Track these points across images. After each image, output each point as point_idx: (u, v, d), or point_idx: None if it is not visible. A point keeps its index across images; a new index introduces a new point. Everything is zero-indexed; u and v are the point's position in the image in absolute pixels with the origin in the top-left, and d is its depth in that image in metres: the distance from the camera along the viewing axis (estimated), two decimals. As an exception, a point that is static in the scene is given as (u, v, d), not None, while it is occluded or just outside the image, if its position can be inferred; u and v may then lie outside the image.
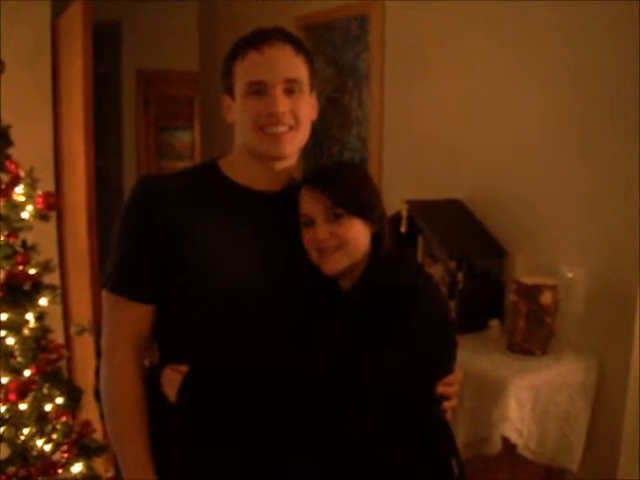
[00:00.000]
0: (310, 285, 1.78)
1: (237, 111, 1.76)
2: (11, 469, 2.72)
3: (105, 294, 1.79)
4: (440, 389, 1.76)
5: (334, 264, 1.73)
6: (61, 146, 4.05)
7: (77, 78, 3.54)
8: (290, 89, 1.71)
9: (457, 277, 3.03)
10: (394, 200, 3.13)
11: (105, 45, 5.89)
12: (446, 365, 1.79)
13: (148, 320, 1.77)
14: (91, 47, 3.45)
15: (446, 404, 1.80)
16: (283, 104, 1.69)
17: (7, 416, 2.75)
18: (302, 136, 1.78)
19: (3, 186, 2.81)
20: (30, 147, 3.21)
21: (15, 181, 2.85)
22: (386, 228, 1.81)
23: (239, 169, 1.80)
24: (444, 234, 3.06)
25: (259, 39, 1.71)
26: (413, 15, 3.59)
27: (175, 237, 1.69)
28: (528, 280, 2.74)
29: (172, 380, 1.69)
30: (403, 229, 3.12)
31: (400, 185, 3.64)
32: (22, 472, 2.72)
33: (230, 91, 1.78)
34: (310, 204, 1.74)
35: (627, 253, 2.68)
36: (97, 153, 3.67)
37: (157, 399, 1.74)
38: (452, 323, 1.83)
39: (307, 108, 1.78)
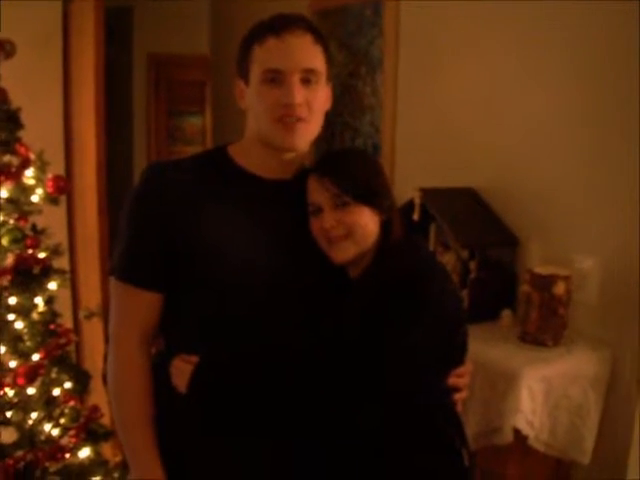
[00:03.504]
0: (321, 272, 1.76)
1: (251, 97, 1.73)
2: (19, 453, 2.70)
3: (113, 282, 1.78)
4: (451, 380, 1.75)
5: (343, 253, 1.71)
6: (71, 129, 4.04)
7: (88, 62, 3.53)
8: (307, 79, 1.68)
9: (469, 266, 3.01)
10: (407, 187, 3.12)
11: (116, 29, 5.86)
12: (455, 355, 1.77)
13: (156, 308, 1.76)
14: (103, 31, 3.45)
15: (457, 395, 1.79)
16: (299, 95, 1.66)
17: (15, 400, 2.74)
18: (315, 128, 1.75)
19: (13, 169, 2.78)
20: (40, 130, 3.19)
21: (25, 164, 2.83)
22: (396, 216, 1.79)
23: (249, 156, 1.78)
24: (457, 222, 3.04)
25: (279, 25, 1.68)
26: (428, 1, 3.55)
27: (183, 224, 1.68)
28: (542, 270, 2.72)
29: (182, 371, 1.68)
30: (416, 217, 3.10)
31: (413, 173, 3.62)
32: (29, 456, 2.70)
33: (245, 76, 1.75)
34: (317, 192, 1.73)
35: (641, 244, 2.65)
36: (107, 137, 3.66)
37: (164, 388, 1.73)
38: (463, 312, 1.80)
39: (322, 99, 1.75)
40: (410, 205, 3.11)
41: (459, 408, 1.83)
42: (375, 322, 1.59)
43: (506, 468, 2.60)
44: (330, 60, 1.78)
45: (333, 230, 1.70)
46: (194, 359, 1.67)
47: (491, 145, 3.27)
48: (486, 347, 2.65)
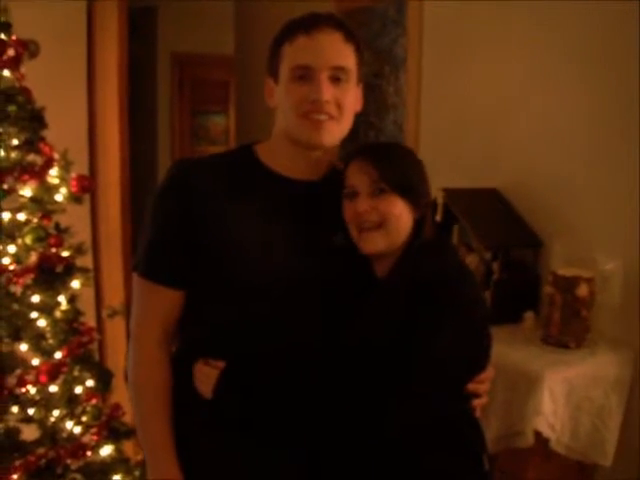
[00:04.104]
0: (347, 273, 1.75)
1: (280, 95, 1.72)
2: (40, 450, 2.72)
3: (135, 278, 1.77)
4: (471, 386, 1.73)
5: (372, 244, 1.68)
6: (96, 128, 4.06)
7: (112, 60, 3.55)
8: (336, 77, 1.67)
9: (492, 267, 2.99)
10: (430, 187, 3.10)
11: (141, 28, 5.89)
12: (482, 361, 1.75)
13: (177, 305, 1.75)
14: (126, 29, 3.46)
15: (476, 402, 1.77)
16: (328, 92, 1.64)
17: (37, 398, 2.75)
18: (344, 127, 1.73)
19: (37, 168, 2.80)
20: (64, 129, 3.21)
21: (49, 163, 2.85)
22: (429, 215, 1.77)
23: (276, 156, 1.76)
24: (480, 223, 3.03)
25: (309, 23, 1.67)
26: (451, 0, 3.54)
27: (208, 223, 1.67)
28: (565, 272, 2.70)
29: (208, 376, 1.66)
30: (438, 217, 3.09)
31: (437, 172, 3.56)
32: (51, 453, 2.72)
33: (274, 74, 1.74)
34: (356, 175, 1.70)
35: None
36: (131, 136, 3.67)
37: (183, 385, 1.73)
38: (489, 317, 1.78)
39: (352, 99, 1.73)
40: (433, 205, 3.09)
41: (478, 414, 1.81)
42: (404, 324, 1.57)
43: (527, 471, 2.58)
44: (362, 60, 1.75)
45: (366, 215, 1.67)
46: (220, 364, 1.66)
47: (515, 145, 3.25)
48: (508, 349, 2.64)
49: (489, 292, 2.96)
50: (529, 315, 2.91)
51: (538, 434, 2.48)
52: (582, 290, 2.65)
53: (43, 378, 2.74)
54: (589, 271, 2.72)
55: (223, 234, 1.68)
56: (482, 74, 3.41)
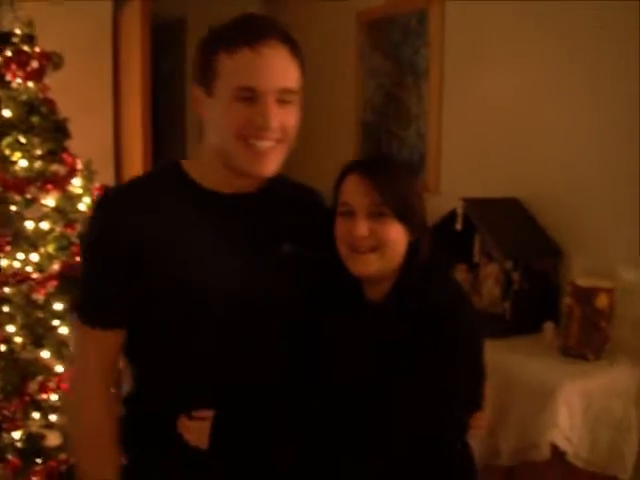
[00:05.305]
0: (298, 284, 1.67)
1: (216, 112, 1.55)
2: (62, 456, 2.77)
3: (74, 320, 1.69)
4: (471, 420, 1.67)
5: (366, 266, 1.61)
6: (121, 139, 4.11)
7: (137, 72, 3.58)
8: (283, 99, 1.52)
9: (513, 277, 2.97)
10: (451, 197, 3.11)
11: (170, 42, 5.94)
12: (472, 399, 1.70)
13: (117, 345, 1.64)
14: (149, 42, 3.50)
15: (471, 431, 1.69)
16: (276, 118, 1.51)
17: (59, 404, 2.80)
18: (287, 149, 1.60)
19: (60, 178, 2.85)
20: (91, 140, 3.26)
21: (72, 173, 2.90)
22: (425, 237, 1.68)
23: (208, 173, 1.63)
24: (500, 233, 3.01)
25: (254, 35, 1.50)
26: (473, 10, 3.55)
27: (142, 250, 1.54)
28: (583, 282, 2.68)
29: (199, 429, 1.58)
30: (458, 227, 3.09)
31: (458, 182, 3.60)
32: (73, 459, 2.75)
33: (207, 85, 1.55)
34: (356, 194, 1.61)
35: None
36: (160, 147, 3.70)
37: (139, 434, 1.66)
38: (481, 350, 1.67)
39: (296, 119, 1.59)
40: (453, 215, 3.09)
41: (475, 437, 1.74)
42: (401, 358, 1.51)
43: (545, 484, 2.56)
44: (304, 74, 1.60)
45: (363, 240, 1.59)
46: (206, 414, 1.58)
47: (537, 155, 3.23)
48: (526, 360, 2.63)
49: (509, 302, 2.95)
50: (548, 326, 2.88)
51: (555, 447, 2.45)
52: (601, 301, 2.63)
53: (64, 385, 2.78)
54: (609, 282, 2.70)
55: (160, 264, 1.56)
56: (503, 84, 3.40)
